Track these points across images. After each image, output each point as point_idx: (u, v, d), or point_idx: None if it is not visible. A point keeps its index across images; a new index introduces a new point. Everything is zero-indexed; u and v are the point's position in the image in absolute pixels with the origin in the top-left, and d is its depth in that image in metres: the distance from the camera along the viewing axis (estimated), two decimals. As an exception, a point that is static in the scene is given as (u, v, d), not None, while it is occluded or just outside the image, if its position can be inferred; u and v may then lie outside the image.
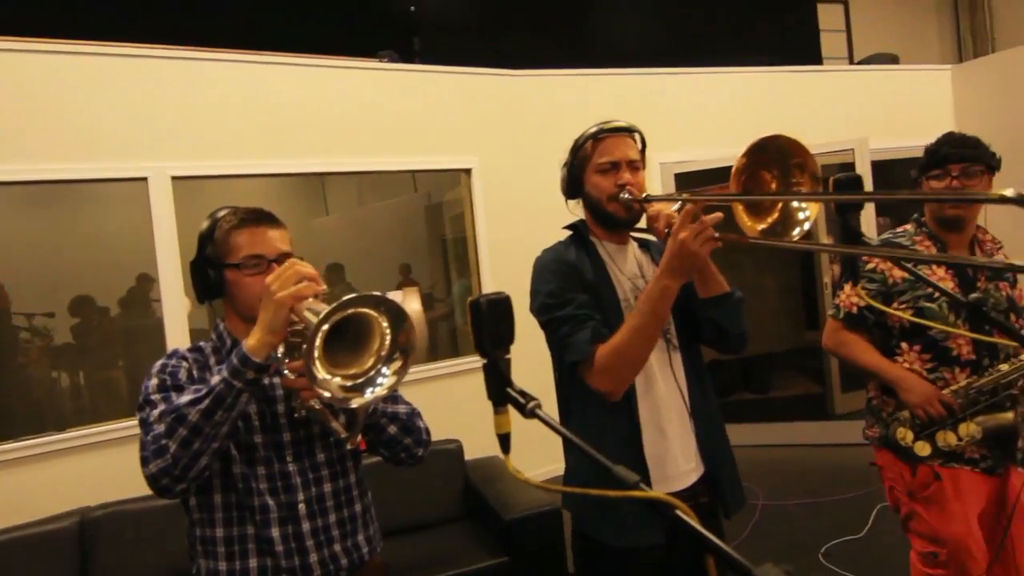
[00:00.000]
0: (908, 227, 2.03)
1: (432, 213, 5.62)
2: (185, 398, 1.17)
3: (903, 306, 1.91)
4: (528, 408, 0.89)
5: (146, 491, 2.75)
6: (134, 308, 4.68)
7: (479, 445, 3.36)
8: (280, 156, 3.76)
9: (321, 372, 1.00)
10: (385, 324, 1.04)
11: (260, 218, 1.39)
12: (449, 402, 3.74)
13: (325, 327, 0.99)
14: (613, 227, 1.64)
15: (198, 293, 1.41)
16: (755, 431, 4.69)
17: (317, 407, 1.24)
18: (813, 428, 4.63)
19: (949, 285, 1.91)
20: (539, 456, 3.77)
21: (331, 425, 1.24)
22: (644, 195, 1.57)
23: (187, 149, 3.51)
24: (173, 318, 3.39)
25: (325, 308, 1.03)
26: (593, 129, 1.63)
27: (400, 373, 1.06)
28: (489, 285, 4.30)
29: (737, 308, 1.58)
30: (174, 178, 3.45)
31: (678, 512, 0.69)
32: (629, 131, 1.64)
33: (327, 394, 1.01)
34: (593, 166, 1.61)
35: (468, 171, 4.34)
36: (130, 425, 3.28)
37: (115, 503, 2.66)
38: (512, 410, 0.93)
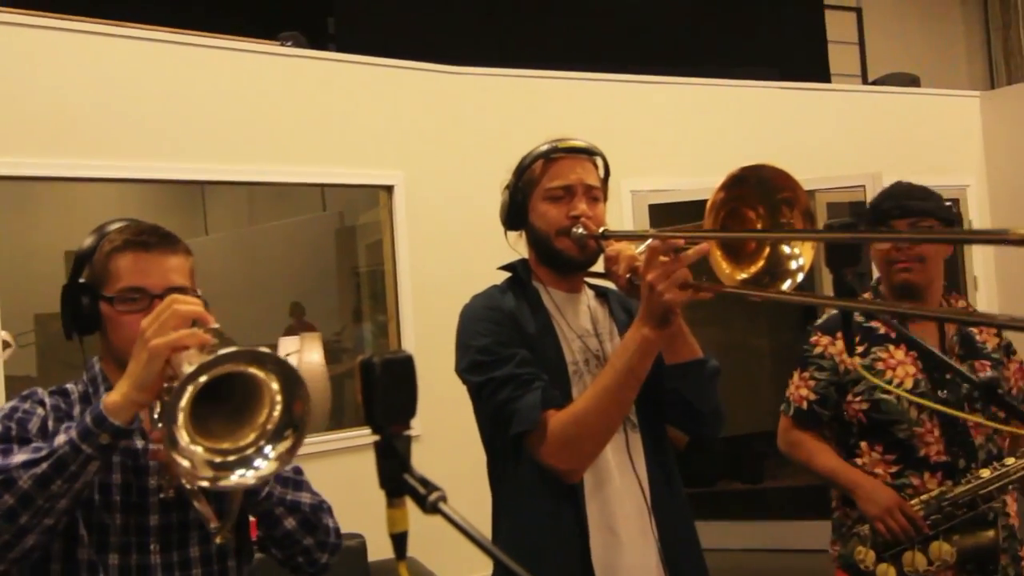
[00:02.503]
0: (867, 295, 2.10)
1: (343, 238, 5.59)
2: (19, 458, 1.15)
3: (858, 398, 1.99)
4: (429, 501, 0.88)
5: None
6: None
7: (388, 543, 3.28)
8: (145, 157, 3.70)
9: (184, 438, 0.99)
10: (276, 388, 1.03)
11: (152, 242, 1.37)
12: (353, 484, 3.62)
13: (194, 383, 0.98)
14: (562, 269, 1.66)
15: (65, 325, 1.39)
16: (744, 531, 4.72)
17: (189, 485, 1.22)
18: (817, 529, 4.62)
19: (911, 371, 1.97)
20: (466, 557, 3.71)
21: (200, 508, 1.23)
22: (601, 230, 1.59)
23: (14, 141, 3.40)
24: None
25: (212, 358, 1.02)
26: (544, 147, 1.65)
27: (284, 459, 1.06)
28: (409, 331, 4.27)
29: (710, 379, 1.61)
30: (-1, 178, 3.34)
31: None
32: (589, 153, 1.67)
33: (186, 463, 1.01)
34: (541, 191, 1.63)
35: (389, 188, 4.34)
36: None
37: None
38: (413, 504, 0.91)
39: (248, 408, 1.05)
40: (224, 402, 1.02)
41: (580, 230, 1.58)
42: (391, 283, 4.38)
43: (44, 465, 1.13)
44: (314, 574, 1.43)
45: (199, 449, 1.01)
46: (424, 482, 0.90)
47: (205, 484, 1.04)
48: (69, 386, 1.41)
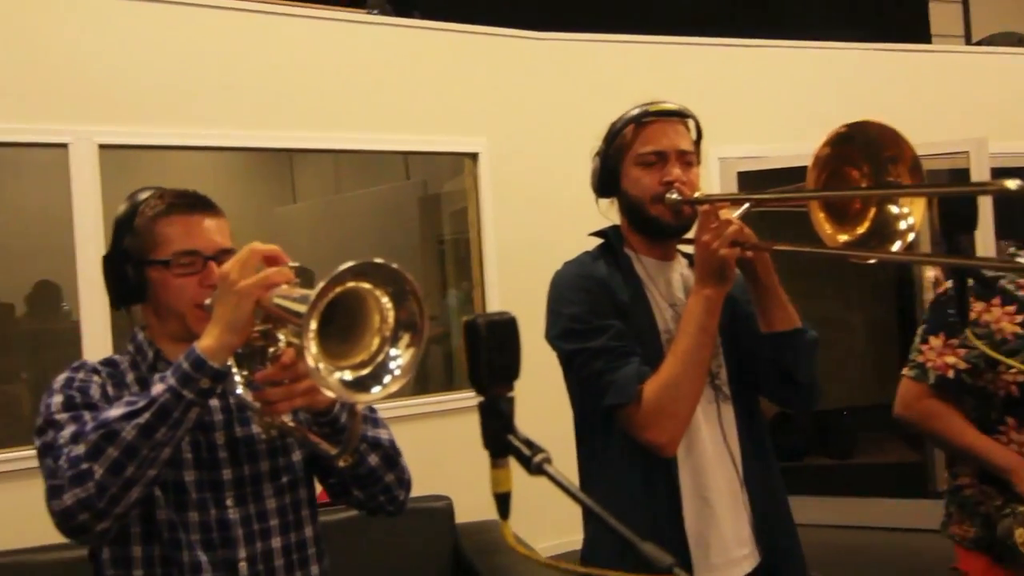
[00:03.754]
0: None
1: (427, 206, 5.64)
2: (115, 411, 1.15)
3: (1012, 370, 1.85)
4: (535, 462, 0.88)
5: (50, 540, 2.75)
6: (44, 307, 4.71)
7: (474, 505, 3.33)
8: (238, 126, 3.79)
9: (321, 366, 0.97)
10: (380, 295, 1.01)
11: (194, 204, 1.39)
12: (438, 448, 3.72)
13: (318, 310, 0.96)
14: (656, 236, 1.64)
15: (113, 296, 1.42)
16: (832, 507, 4.63)
17: (290, 423, 1.23)
18: (908, 507, 4.56)
19: None
20: (552, 524, 3.75)
21: (314, 442, 1.22)
22: (697, 195, 1.56)
23: (120, 112, 3.54)
24: (93, 321, 3.41)
25: (299, 294, 1.02)
26: (636, 111, 1.62)
27: (413, 362, 1.02)
28: (494, 299, 4.31)
29: (809, 349, 1.57)
30: (102, 146, 3.48)
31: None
32: (682, 116, 1.64)
33: (331, 393, 0.99)
34: (633, 157, 1.61)
35: (474, 156, 4.36)
36: (31, 455, 3.28)
37: (11, 552, 2.66)
38: (515, 464, 0.91)
39: (359, 322, 1.03)
40: (331, 324, 0.99)
41: (675, 196, 1.56)
42: (476, 251, 4.41)
43: (146, 415, 1.13)
44: (392, 512, 1.44)
45: (334, 372, 0.99)
46: (529, 443, 0.90)
47: (360, 402, 1.04)
48: (116, 357, 1.43)
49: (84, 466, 1.13)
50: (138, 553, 1.31)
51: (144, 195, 1.41)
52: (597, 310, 1.55)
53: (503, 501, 0.94)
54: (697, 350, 1.47)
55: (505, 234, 4.36)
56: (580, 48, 4.63)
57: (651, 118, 1.61)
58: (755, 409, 1.66)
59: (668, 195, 1.56)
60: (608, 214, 1.72)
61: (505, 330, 0.93)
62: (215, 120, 3.74)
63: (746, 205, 1.49)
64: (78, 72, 3.46)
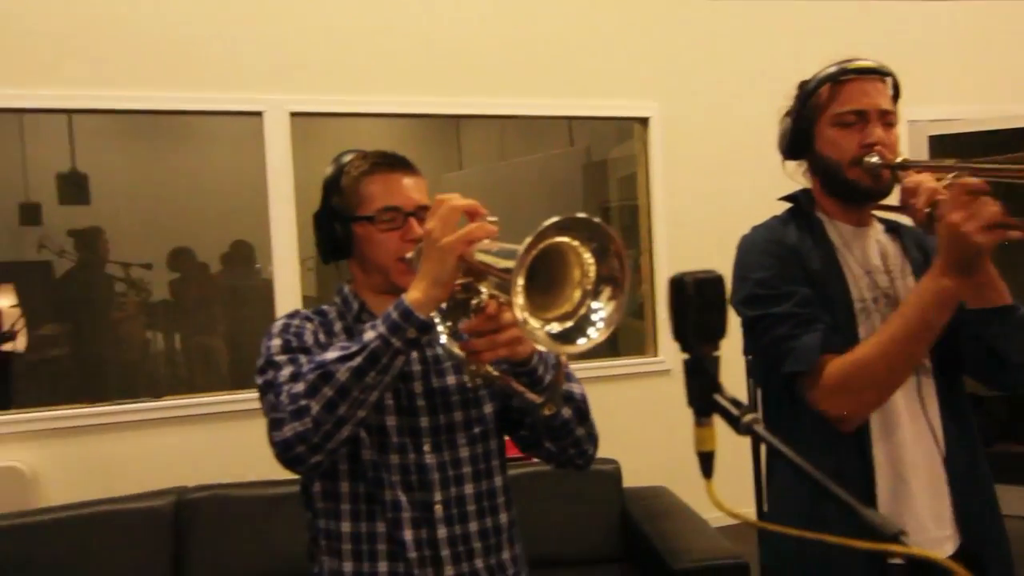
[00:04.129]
0: None
1: (592, 173, 5.62)
2: (332, 354, 1.23)
3: None
4: (743, 422, 0.87)
5: (246, 476, 3.00)
6: (238, 265, 5.09)
7: (640, 471, 3.36)
8: (411, 93, 3.92)
9: (529, 319, 0.99)
10: (582, 248, 1.02)
11: (394, 163, 1.47)
12: (604, 414, 3.71)
13: (525, 263, 0.97)
14: (852, 201, 1.57)
15: (323, 251, 1.52)
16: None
17: (495, 373, 1.27)
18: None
19: None
20: (705, 494, 3.65)
21: (518, 390, 1.26)
22: (900, 159, 1.48)
23: (309, 81, 3.74)
24: (285, 278, 3.66)
25: (499, 248, 1.05)
26: (833, 69, 1.55)
27: (618, 311, 1.03)
28: (662, 265, 4.27)
29: (1020, 328, 1.46)
30: (293, 114, 3.69)
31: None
32: (881, 73, 1.56)
33: (540, 346, 1.02)
34: (830, 117, 1.54)
35: (644, 120, 4.30)
36: (230, 400, 3.59)
37: (214, 486, 2.93)
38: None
39: (560, 276, 1.04)
40: (533, 278, 1.00)
41: (875, 159, 1.48)
42: (645, 218, 4.36)
43: (359, 359, 1.19)
44: (581, 466, 1.46)
45: (540, 324, 1.01)
46: (736, 403, 0.89)
47: (566, 353, 1.06)
48: (324, 307, 1.52)
49: (303, 402, 1.22)
50: (345, 489, 1.41)
51: (347, 157, 1.50)
52: (785, 276, 1.51)
53: (707, 460, 0.93)
54: (909, 342, 1.37)
55: (674, 200, 4.30)
56: (755, 6, 4.44)
57: (849, 76, 1.54)
58: (958, 385, 1.57)
59: (867, 158, 1.49)
60: (795, 177, 1.67)
61: (713, 288, 0.91)
62: (391, 87, 3.89)
63: (953, 174, 1.39)
64: (271, 45, 3.69)
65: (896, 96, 1.58)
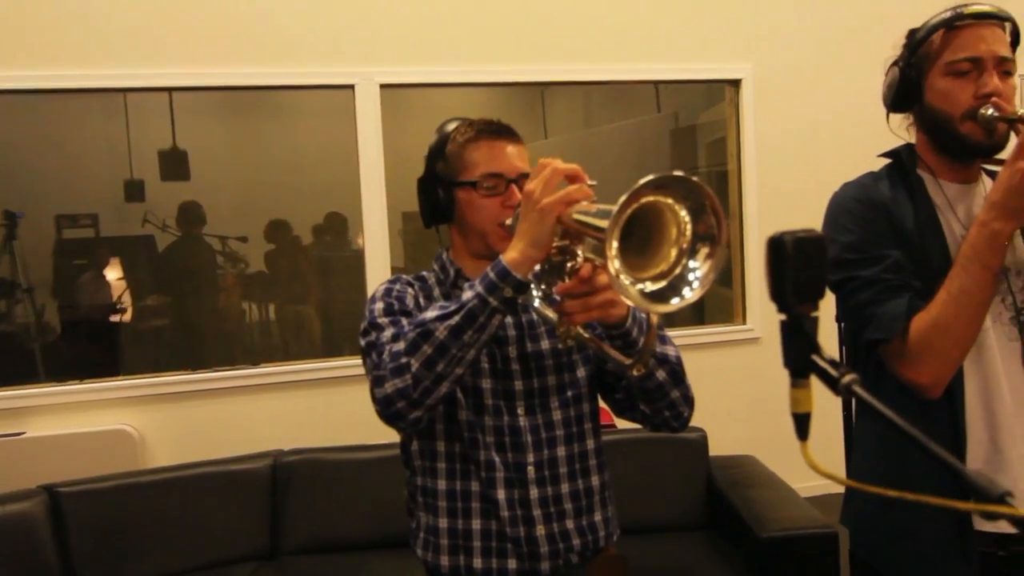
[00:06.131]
0: None
1: (680, 139, 5.53)
2: (431, 314, 1.27)
3: None
4: (843, 383, 0.85)
5: (337, 440, 3.10)
6: (330, 236, 5.21)
7: (726, 439, 3.33)
8: (496, 62, 3.93)
9: (624, 278, 0.99)
10: (678, 207, 1.01)
11: (499, 131, 1.49)
12: (691, 382, 3.68)
13: (619, 222, 0.97)
14: (962, 157, 1.50)
15: (426, 216, 1.55)
16: None
17: (586, 335, 1.28)
18: None
19: None
20: (793, 463, 3.59)
21: (609, 353, 1.27)
22: (1022, 112, 1.39)
23: (396, 53, 3.79)
24: (376, 248, 3.74)
25: (597, 210, 1.05)
26: (947, 14, 1.47)
27: (713, 271, 1.02)
28: (753, 231, 4.19)
29: None
30: (382, 86, 3.75)
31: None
32: (1000, 18, 1.47)
33: (633, 304, 1.02)
34: (942, 66, 1.46)
35: (736, 83, 4.19)
36: (322, 367, 3.71)
37: (309, 450, 3.07)
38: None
39: (656, 235, 1.04)
40: (630, 238, 1.00)
41: (991, 111, 1.40)
42: (735, 183, 4.28)
43: (456, 317, 1.23)
44: (676, 429, 1.47)
45: (634, 284, 1.01)
46: (835, 364, 0.87)
47: (661, 312, 1.05)
48: (424, 273, 1.57)
49: (403, 360, 1.26)
50: (441, 448, 1.46)
51: (451, 125, 1.53)
52: (874, 238, 1.46)
53: (803, 422, 0.91)
54: (977, 290, 1.34)
55: (766, 165, 4.19)
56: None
57: (965, 21, 1.44)
58: None
59: (982, 110, 1.41)
60: (899, 132, 1.59)
61: (813, 247, 0.89)
62: (476, 57, 3.90)
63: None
64: (360, 18, 3.74)
65: (1015, 43, 1.50)
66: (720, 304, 4.48)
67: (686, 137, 5.44)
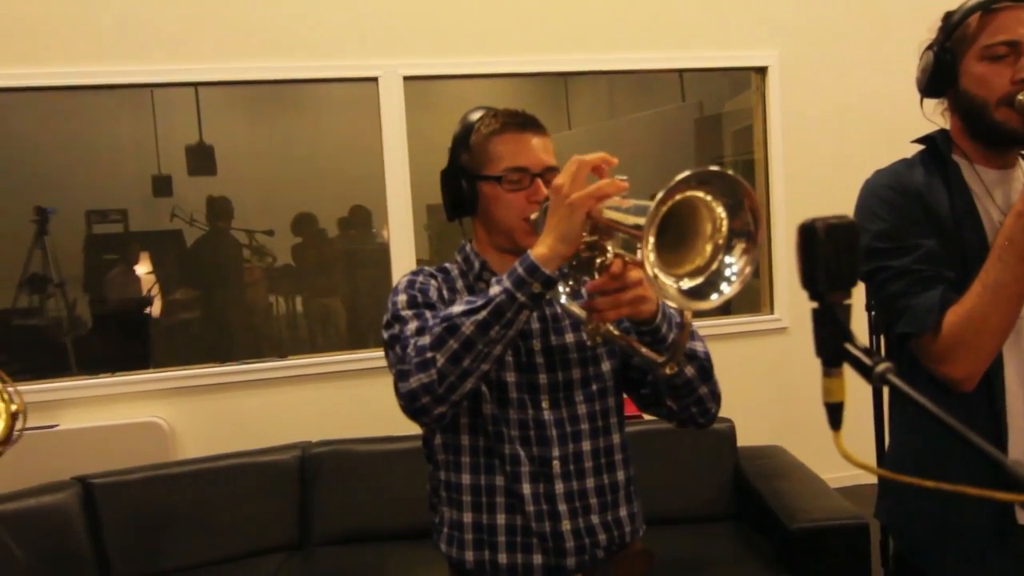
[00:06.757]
0: None
1: (706, 128, 5.49)
2: (457, 308, 1.25)
3: None
4: (876, 372, 0.83)
5: (364, 431, 3.11)
6: (355, 229, 5.23)
7: (754, 430, 3.30)
8: (520, 52, 3.90)
9: (660, 275, 0.98)
10: (713, 202, 1.00)
11: (524, 123, 1.45)
12: (718, 372, 3.65)
13: (656, 218, 0.95)
14: (998, 143, 1.45)
15: (448, 208, 1.53)
16: None
17: (616, 332, 1.27)
18: None
19: None
20: (822, 453, 3.58)
21: (639, 350, 1.25)
22: None
23: (419, 45, 3.78)
24: (401, 240, 3.74)
25: (628, 205, 1.03)
26: None
27: (748, 256, 1.01)
28: (780, 220, 4.14)
29: None
30: (406, 78, 3.75)
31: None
32: None
33: (670, 302, 1.01)
34: (979, 50, 1.42)
35: (762, 70, 4.14)
36: (349, 359, 3.73)
37: (337, 441, 3.09)
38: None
39: (691, 231, 1.02)
40: (664, 234, 0.98)
41: None
42: (761, 172, 4.23)
43: (484, 312, 1.21)
44: (703, 424, 1.44)
45: (670, 281, 1.00)
46: (868, 352, 0.86)
47: (698, 309, 1.04)
48: (447, 265, 1.54)
49: (428, 355, 1.24)
50: (466, 442, 1.44)
51: (475, 115, 1.49)
52: (907, 227, 1.43)
53: (835, 411, 0.90)
54: (1013, 281, 1.30)
55: (793, 154, 4.14)
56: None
57: (1003, 3, 1.40)
58: None
59: (1020, 96, 1.36)
60: (933, 118, 1.56)
61: (845, 234, 0.87)
62: (499, 48, 3.88)
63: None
64: (383, 11, 3.74)
65: None
66: (747, 294, 4.44)
67: (711, 126, 5.40)
